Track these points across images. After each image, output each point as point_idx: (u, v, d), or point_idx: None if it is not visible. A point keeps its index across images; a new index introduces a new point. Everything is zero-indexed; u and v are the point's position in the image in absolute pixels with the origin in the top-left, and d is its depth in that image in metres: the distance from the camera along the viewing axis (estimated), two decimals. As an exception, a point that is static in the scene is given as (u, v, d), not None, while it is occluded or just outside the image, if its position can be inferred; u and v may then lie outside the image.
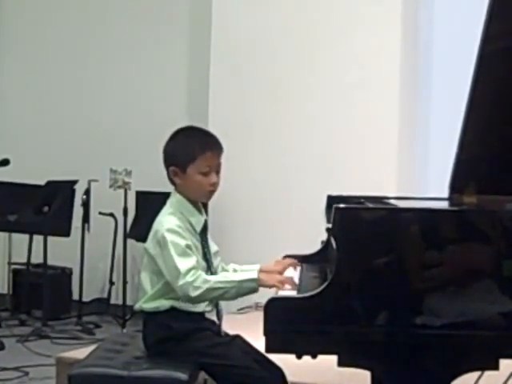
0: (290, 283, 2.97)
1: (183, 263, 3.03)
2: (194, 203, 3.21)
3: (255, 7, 6.21)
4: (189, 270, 3.02)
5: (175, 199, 3.22)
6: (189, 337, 3.11)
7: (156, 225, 3.16)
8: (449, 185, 3.07)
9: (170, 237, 3.06)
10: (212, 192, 3.23)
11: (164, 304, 3.12)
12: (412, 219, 2.64)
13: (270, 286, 2.98)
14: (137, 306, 3.21)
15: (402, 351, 2.62)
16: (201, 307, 3.16)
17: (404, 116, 5.86)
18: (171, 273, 3.05)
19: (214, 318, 3.26)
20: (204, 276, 3.05)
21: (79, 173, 6.49)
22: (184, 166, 3.16)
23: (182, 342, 3.11)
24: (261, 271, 3.12)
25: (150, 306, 3.15)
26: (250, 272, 3.11)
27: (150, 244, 3.16)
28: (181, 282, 3.02)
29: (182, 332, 3.11)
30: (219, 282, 3.04)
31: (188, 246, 3.09)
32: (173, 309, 3.11)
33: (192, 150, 3.17)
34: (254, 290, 3.04)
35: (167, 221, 3.12)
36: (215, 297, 3.09)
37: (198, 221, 3.20)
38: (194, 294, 3.02)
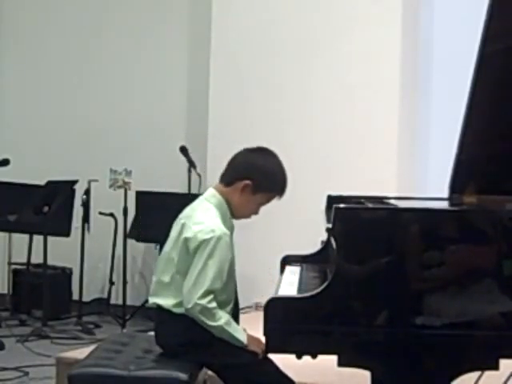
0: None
1: (211, 284, 3.01)
2: (229, 207, 3.19)
3: (255, 7, 6.20)
4: (210, 292, 3.02)
5: (218, 200, 3.17)
6: (208, 341, 3.08)
7: (201, 223, 3.08)
8: (449, 185, 3.07)
9: (216, 247, 3.02)
10: (245, 219, 3.27)
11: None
12: (412, 219, 2.64)
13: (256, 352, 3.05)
14: (155, 301, 3.17)
15: (402, 351, 2.62)
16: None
17: (404, 116, 5.86)
18: (195, 284, 3.02)
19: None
20: (216, 312, 3.03)
21: (79, 173, 6.49)
22: (258, 189, 3.15)
23: (202, 347, 3.09)
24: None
25: (176, 309, 3.11)
26: (243, 334, 3.09)
27: (191, 241, 3.07)
28: (198, 301, 3.00)
29: (202, 337, 3.07)
30: (221, 328, 3.03)
31: (228, 265, 3.08)
32: None
33: (276, 184, 3.20)
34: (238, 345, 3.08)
35: (218, 225, 3.07)
36: (208, 329, 3.06)
37: (230, 225, 3.19)
38: (201, 317, 3.02)
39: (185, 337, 3.10)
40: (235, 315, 3.23)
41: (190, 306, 3.03)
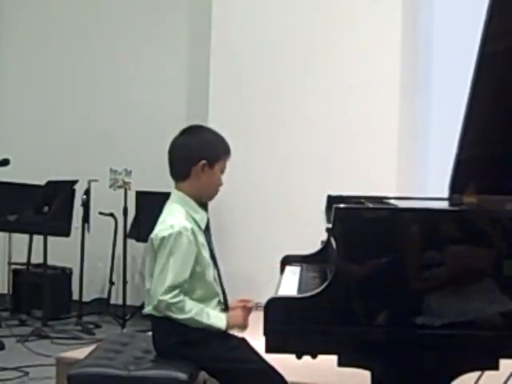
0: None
1: (172, 278, 3.04)
2: (196, 200, 3.21)
3: (255, 7, 6.21)
4: (173, 288, 3.03)
5: (178, 197, 3.21)
6: (203, 341, 3.10)
7: (162, 222, 3.14)
8: (449, 185, 3.07)
9: (176, 242, 3.05)
10: (216, 194, 3.30)
11: None
12: (412, 219, 2.64)
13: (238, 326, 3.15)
14: (146, 311, 3.19)
15: (402, 351, 2.62)
16: (209, 308, 3.16)
17: (404, 116, 5.86)
18: (158, 280, 3.06)
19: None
20: (184, 304, 3.05)
21: (79, 173, 6.49)
22: (213, 163, 3.20)
23: (197, 347, 3.10)
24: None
25: (151, 309, 3.13)
26: (221, 319, 3.12)
27: (154, 241, 3.12)
28: (161, 297, 3.04)
29: (196, 336, 3.09)
30: (192, 319, 3.06)
31: (194, 258, 3.09)
32: None
33: (220, 149, 3.24)
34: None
35: (177, 221, 3.10)
36: (183, 321, 3.10)
37: (202, 218, 3.20)
38: (167, 312, 3.06)
39: (174, 337, 3.11)
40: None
41: (155, 303, 3.06)
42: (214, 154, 3.20)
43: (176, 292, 3.04)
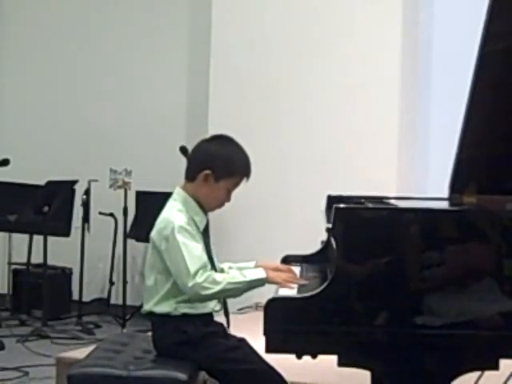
0: (295, 280, 3.01)
1: (193, 264, 3.02)
2: (198, 202, 3.20)
3: (255, 7, 6.21)
4: (198, 270, 3.01)
5: (181, 196, 3.19)
6: (203, 341, 3.09)
7: (163, 220, 3.13)
8: (449, 185, 3.07)
9: (180, 235, 3.05)
10: (219, 208, 3.26)
11: (175, 310, 3.11)
12: (412, 219, 2.64)
13: (277, 283, 3.01)
14: (146, 308, 3.18)
15: (402, 351, 2.62)
16: (209, 307, 3.16)
17: (404, 116, 5.86)
18: (181, 273, 3.03)
19: (221, 317, 3.25)
20: (213, 276, 3.03)
21: (79, 173, 6.49)
22: (220, 176, 3.15)
23: (198, 347, 3.09)
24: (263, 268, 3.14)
25: (161, 309, 3.12)
26: (257, 271, 3.10)
27: (157, 240, 3.12)
28: (191, 284, 3.01)
29: (197, 336, 3.09)
30: (229, 284, 3.03)
31: (197, 243, 3.08)
32: (184, 314, 3.11)
33: (236, 167, 3.19)
34: (262, 286, 3.07)
35: (177, 218, 3.09)
36: (224, 296, 3.14)
37: (201, 220, 3.19)
38: (204, 293, 3.01)
39: (174, 336, 3.11)
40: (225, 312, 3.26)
41: (190, 295, 3.04)
42: (225, 170, 3.15)
43: (200, 272, 3.01)
